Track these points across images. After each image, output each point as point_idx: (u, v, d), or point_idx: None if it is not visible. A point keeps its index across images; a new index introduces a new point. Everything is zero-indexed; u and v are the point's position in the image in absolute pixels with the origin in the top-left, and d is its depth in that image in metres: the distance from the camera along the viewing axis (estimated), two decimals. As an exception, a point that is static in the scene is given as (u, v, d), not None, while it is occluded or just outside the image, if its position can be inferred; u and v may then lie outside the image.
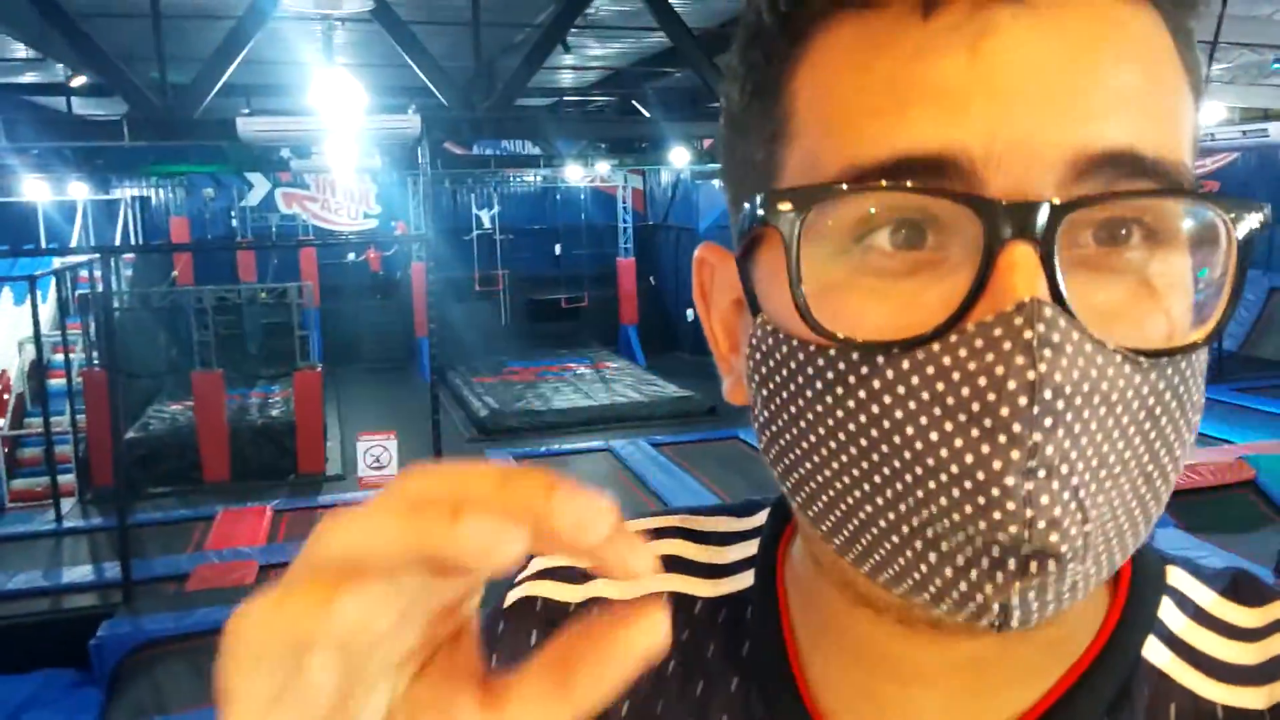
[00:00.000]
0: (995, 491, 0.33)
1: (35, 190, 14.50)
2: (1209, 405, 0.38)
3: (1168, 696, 0.42)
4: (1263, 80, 8.63)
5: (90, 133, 8.83)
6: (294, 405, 11.77)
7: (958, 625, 0.38)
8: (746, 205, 0.38)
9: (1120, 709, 0.42)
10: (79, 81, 8.95)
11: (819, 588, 0.45)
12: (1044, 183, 0.34)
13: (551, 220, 20.13)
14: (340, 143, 8.69)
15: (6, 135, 7.52)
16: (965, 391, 0.33)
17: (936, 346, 0.34)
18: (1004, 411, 0.33)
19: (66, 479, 10.53)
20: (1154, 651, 0.43)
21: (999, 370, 0.33)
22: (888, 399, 0.35)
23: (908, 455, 0.34)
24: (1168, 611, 0.44)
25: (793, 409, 0.38)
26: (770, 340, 0.38)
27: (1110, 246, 0.35)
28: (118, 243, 15.68)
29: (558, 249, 20.06)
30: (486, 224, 19.20)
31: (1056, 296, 0.33)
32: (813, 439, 0.37)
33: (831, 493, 0.37)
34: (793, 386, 0.37)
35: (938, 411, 0.34)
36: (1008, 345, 0.33)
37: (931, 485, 0.34)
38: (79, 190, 15.32)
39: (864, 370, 0.35)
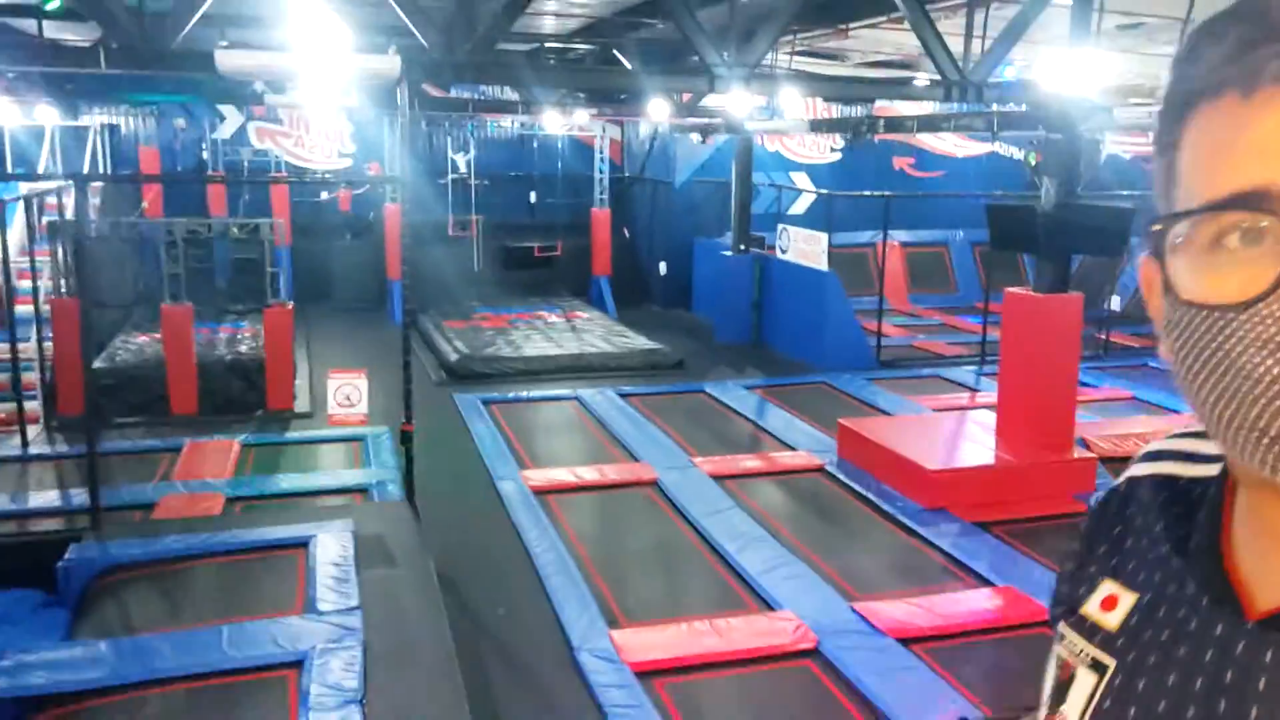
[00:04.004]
0: None
1: (3, 114, 14.23)
2: None
3: None
4: None
5: (63, 58, 8.70)
6: (264, 342, 11.81)
7: None
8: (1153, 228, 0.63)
9: None
10: (52, 4, 8.80)
11: (1250, 483, 0.66)
12: None
13: (528, 167, 20.03)
14: (319, 80, 8.62)
15: (-24, 57, 7.42)
16: None
17: (1261, 304, 0.55)
18: None
19: (31, 405, 10.56)
20: None
21: None
22: (1238, 338, 0.57)
23: (1256, 372, 0.56)
24: None
25: (1190, 355, 0.60)
26: (1175, 311, 0.61)
27: None
28: (86, 170, 15.46)
29: (533, 196, 20.00)
30: (462, 168, 19.07)
31: None
32: (1204, 373, 0.59)
33: (1214, 408, 0.59)
34: (1187, 338, 0.60)
35: (1270, 343, 0.55)
36: None
37: (1259, 389, 0.56)
38: (48, 115, 15.06)
39: (1220, 323, 0.57)
